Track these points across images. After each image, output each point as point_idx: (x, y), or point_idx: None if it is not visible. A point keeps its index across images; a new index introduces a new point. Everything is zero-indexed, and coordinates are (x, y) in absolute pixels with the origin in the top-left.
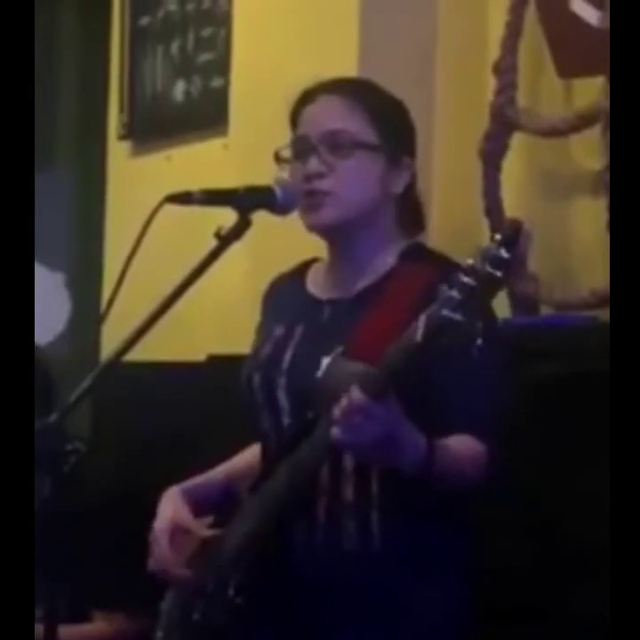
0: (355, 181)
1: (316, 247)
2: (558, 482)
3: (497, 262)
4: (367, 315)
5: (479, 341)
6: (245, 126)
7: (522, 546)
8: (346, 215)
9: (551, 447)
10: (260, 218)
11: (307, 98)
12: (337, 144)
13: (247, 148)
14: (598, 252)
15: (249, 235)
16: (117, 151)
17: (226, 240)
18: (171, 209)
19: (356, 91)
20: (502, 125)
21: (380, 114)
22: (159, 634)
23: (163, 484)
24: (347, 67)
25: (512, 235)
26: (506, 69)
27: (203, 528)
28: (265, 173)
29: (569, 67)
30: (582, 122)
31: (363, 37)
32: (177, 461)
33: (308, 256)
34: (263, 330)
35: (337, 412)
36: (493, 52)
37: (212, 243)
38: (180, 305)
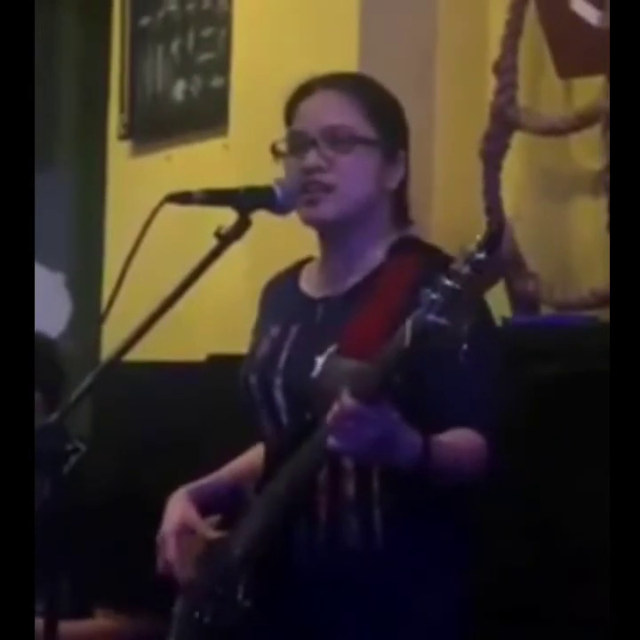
0: (355, 177)
1: (317, 247)
2: (558, 482)
3: (477, 264)
4: (357, 311)
5: (465, 346)
6: (245, 126)
7: (522, 546)
8: (346, 210)
9: (551, 447)
10: (260, 218)
11: (303, 92)
12: (336, 139)
13: (247, 148)
14: (598, 251)
15: (249, 234)
16: (117, 151)
17: (226, 240)
18: (171, 209)
19: (353, 85)
20: (502, 125)
21: (377, 108)
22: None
23: (163, 484)
24: (347, 67)
25: (492, 237)
26: (506, 69)
27: (210, 530)
28: (265, 173)
29: (569, 66)
30: (582, 121)
31: (363, 37)
32: (177, 461)
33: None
34: (259, 330)
35: (330, 418)
36: (493, 51)
37: (212, 242)
38: (180, 305)
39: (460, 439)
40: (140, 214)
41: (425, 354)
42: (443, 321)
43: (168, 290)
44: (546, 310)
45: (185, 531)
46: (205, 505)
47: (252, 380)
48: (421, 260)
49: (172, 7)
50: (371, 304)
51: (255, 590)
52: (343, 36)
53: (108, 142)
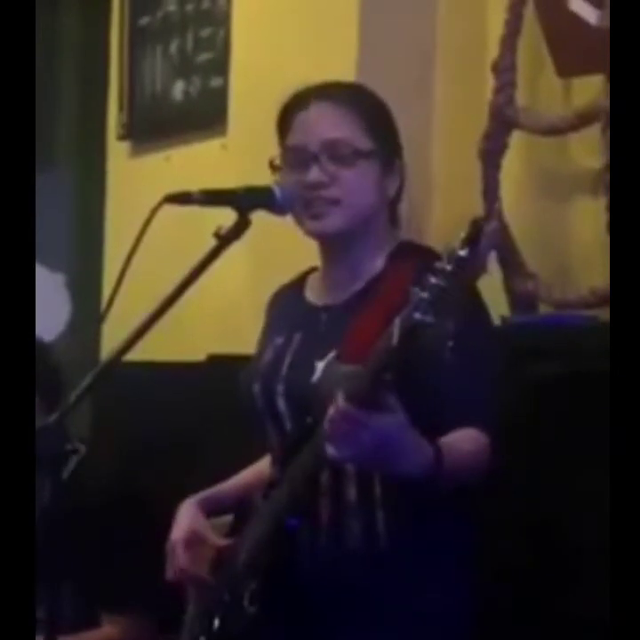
0: (358, 190)
1: (316, 247)
2: (558, 481)
3: (459, 261)
4: (357, 318)
5: (450, 343)
6: (244, 126)
7: (522, 546)
8: (351, 223)
9: (551, 446)
10: (260, 218)
11: (297, 104)
12: (338, 153)
13: (246, 148)
14: (598, 251)
15: (248, 234)
16: (117, 151)
17: (225, 240)
18: (170, 209)
19: (348, 96)
20: (501, 124)
21: (373, 119)
22: None
23: (162, 484)
24: (346, 67)
25: (472, 233)
26: (505, 68)
27: (219, 537)
28: (264, 173)
29: (568, 65)
30: (581, 121)
31: (362, 37)
32: (176, 461)
33: (307, 256)
34: (264, 340)
35: (326, 423)
36: (492, 51)
37: (212, 243)
38: (179, 305)
39: (466, 441)
40: (140, 214)
41: (414, 352)
42: (429, 318)
43: (168, 290)
44: (545, 309)
45: (194, 538)
46: (214, 513)
47: (256, 388)
48: (418, 263)
49: (171, 7)
50: (370, 310)
51: (261, 596)
52: (342, 36)
53: (107, 142)
